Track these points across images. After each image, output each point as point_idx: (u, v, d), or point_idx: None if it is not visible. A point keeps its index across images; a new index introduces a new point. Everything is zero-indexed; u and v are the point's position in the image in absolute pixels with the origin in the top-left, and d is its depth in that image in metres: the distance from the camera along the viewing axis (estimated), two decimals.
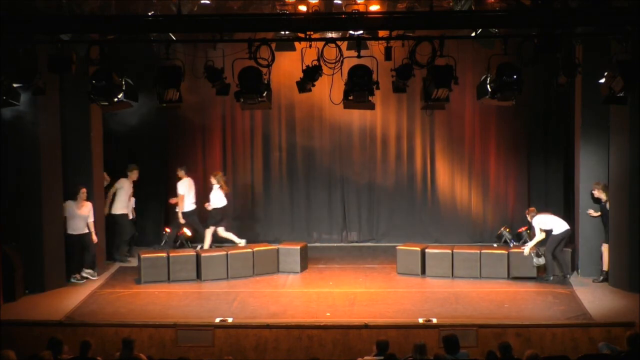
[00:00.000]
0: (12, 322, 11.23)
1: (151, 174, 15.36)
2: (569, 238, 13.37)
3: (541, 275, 13.15)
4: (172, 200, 14.96)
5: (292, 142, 15.85)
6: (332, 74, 10.66)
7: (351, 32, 11.34)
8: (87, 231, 13.41)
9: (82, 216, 13.34)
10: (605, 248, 13.02)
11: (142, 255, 13.44)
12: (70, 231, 13.32)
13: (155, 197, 15.57)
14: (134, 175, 14.54)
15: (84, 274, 13.40)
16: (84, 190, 13.29)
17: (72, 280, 13.25)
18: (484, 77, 11.00)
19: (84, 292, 12.85)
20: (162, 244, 14.98)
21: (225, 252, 13.69)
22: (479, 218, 15.69)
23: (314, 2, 11.56)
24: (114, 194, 14.42)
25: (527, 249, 13.11)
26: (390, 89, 11.29)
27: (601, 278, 13.04)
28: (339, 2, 11.65)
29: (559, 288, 12.78)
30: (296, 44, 12.14)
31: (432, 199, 15.84)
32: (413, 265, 13.70)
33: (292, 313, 11.81)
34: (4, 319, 11.23)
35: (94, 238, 13.46)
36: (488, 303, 12.26)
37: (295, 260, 13.91)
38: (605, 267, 13.03)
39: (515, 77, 10.45)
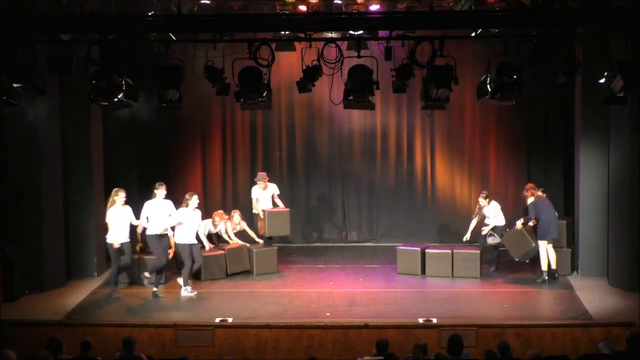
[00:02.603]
0: (12, 322, 11.22)
1: (151, 174, 15.35)
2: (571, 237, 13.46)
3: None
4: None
5: (292, 142, 15.87)
6: (332, 74, 10.65)
7: (351, 32, 11.34)
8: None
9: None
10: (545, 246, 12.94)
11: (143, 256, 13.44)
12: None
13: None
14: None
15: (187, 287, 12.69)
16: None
17: (184, 293, 12.58)
18: (484, 77, 11.00)
19: (84, 292, 12.85)
20: None
21: (225, 252, 13.68)
22: None
23: (314, 2, 11.55)
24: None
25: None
26: (390, 89, 11.29)
27: (542, 279, 12.98)
28: (339, 2, 11.65)
29: (559, 288, 12.79)
30: (296, 44, 12.14)
31: (432, 198, 15.85)
32: (413, 265, 13.70)
33: (292, 313, 11.81)
34: (4, 319, 11.21)
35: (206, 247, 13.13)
36: (488, 303, 12.27)
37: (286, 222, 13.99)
38: (544, 267, 12.94)
39: (515, 77, 10.46)
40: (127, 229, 12.46)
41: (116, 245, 12.28)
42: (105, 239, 12.66)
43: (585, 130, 13.29)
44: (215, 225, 13.95)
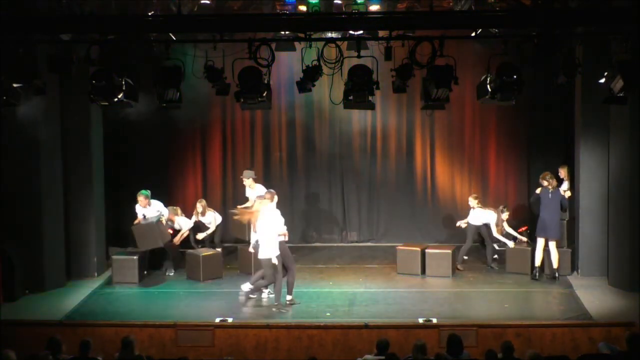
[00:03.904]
0: (12, 322, 11.22)
1: (151, 174, 15.36)
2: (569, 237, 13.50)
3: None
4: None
5: (292, 142, 15.87)
6: (332, 74, 10.66)
7: (351, 32, 11.34)
8: None
9: None
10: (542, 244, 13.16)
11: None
12: None
13: (155, 199, 15.54)
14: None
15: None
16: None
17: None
18: (484, 77, 11.00)
19: (84, 292, 12.85)
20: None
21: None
22: None
23: (314, 2, 11.56)
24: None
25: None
26: (390, 89, 11.29)
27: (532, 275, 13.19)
28: (339, 2, 11.65)
29: (559, 288, 12.79)
30: (296, 44, 12.14)
31: (432, 198, 15.85)
32: (413, 265, 13.70)
33: (292, 313, 11.81)
34: (4, 319, 11.22)
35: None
36: (488, 303, 12.27)
37: None
38: (537, 263, 13.18)
39: (515, 77, 10.46)
40: (277, 242, 11.81)
41: (274, 260, 11.70)
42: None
43: (585, 130, 13.29)
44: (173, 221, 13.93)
